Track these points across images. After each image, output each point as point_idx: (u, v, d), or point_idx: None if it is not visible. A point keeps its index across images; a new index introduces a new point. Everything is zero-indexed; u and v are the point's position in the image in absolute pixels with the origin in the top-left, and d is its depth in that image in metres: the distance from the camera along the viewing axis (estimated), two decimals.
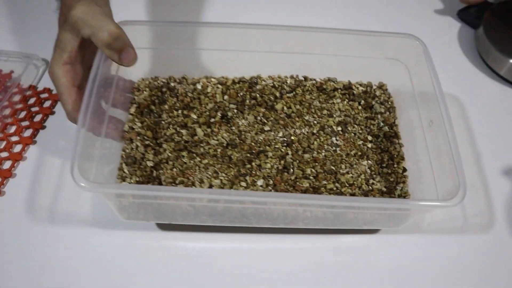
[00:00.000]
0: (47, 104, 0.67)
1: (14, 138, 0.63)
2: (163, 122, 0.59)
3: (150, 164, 0.55)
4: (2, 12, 0.80)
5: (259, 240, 0.54)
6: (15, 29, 0.77)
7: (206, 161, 0.55)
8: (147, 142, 0.57)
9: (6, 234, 0.55)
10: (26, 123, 0.64)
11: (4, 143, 0.62)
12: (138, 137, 0.57)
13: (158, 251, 0.54)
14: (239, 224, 0.52)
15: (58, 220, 0.55)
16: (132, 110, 0.60)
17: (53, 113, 0.66)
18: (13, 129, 0.64)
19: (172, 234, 0.55)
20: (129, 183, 0.54)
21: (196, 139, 0.57)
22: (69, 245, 0.54)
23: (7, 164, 0.60)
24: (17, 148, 0.62)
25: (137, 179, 0.54)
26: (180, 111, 0.60)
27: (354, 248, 0.55)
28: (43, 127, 0.64)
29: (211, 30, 0.59)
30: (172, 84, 0.63)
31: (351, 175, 0.55)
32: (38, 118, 0.65)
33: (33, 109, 0.66)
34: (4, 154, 0.61)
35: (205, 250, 0.54)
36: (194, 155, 0.56)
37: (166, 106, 0.60)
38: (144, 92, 0.62)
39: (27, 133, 0.64)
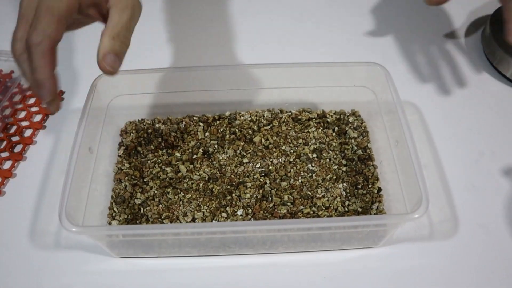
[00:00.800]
0: None
1: (15, 138, 0.63)
2: (149, 161, 0.63)
3: (138, 202, 0.59)
4: (2, 12, 0.81)
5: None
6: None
7: (189, 195, 0.59)
8: (135, 182, 0.61)
9: (6, 234, 0.56)
10: (26, 123, 0.65)
11: (4, 143, 0.62)
12: (127, 177, 0.61)
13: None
14: (222, 253, 0.55)
15: (56, 221, 0.55)
16: (121, 152, 0.64)
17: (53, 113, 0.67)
18: (13, 129, 0.64)
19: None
20: (119, 220, 0.57)
21: (180, 176, 0.61)
22: (67, 245, 0.55)
23: (7, 164, 0.60)
24: (17, 148, 0.62)
25: (126, 217, 0.57)
26: (164, 150, 0.64)
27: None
28: (43, 127, 0.65)
29: (191, 73, 0.64)
30: (157, 125, 0.67)
31: (326, 198, 0.58)
32: (38, 118, 0.65)
33: (33, 109, 0.66)
34: (4, 154, 0.61)
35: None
36: (178, 190, 0.59)
37: (152, 147, 0.64)
38: (131, 134, 0.66)
39: (28, 133, 0.64)
